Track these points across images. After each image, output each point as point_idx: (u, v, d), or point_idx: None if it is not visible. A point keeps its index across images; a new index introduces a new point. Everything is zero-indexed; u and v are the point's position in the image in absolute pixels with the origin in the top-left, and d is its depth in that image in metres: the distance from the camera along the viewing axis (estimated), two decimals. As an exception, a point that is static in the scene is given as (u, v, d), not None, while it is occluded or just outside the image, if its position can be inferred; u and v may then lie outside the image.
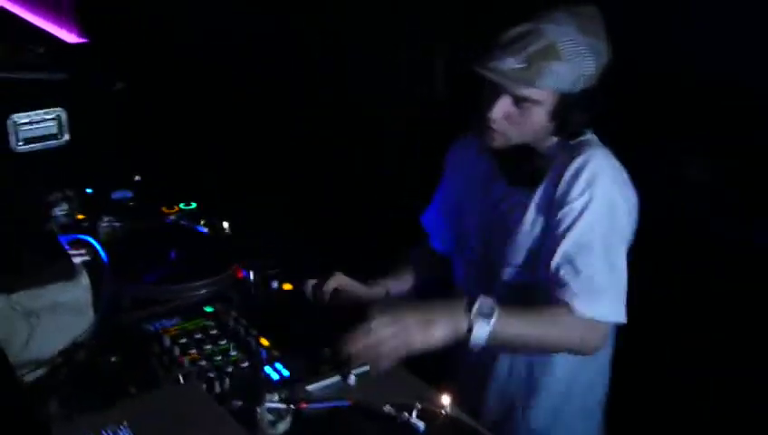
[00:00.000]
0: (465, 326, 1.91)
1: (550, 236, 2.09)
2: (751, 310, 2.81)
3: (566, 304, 2.00)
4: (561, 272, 2.04)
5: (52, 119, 2.98)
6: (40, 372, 2.02)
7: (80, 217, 2.78)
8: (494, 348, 2.02)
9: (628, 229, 2.13)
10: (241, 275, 2.45)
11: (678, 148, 3.11)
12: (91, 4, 5.85)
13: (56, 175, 2.85)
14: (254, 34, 4.56)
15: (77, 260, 2.24)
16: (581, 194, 2.04)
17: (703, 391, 2.90)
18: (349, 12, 4.01)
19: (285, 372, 2.00)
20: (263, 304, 2.32)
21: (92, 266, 2.25)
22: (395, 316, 1.91)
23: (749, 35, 2.79)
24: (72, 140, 3.00)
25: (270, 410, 1.79)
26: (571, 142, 2.14)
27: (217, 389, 1.93)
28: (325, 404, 1.87)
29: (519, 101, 2.07)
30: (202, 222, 2.74)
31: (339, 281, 2.30)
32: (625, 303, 2.06)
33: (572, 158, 2.09)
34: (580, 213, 2.04)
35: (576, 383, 2.26)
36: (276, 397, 1.82)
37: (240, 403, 1.84)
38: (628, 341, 2.26)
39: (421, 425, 1.79)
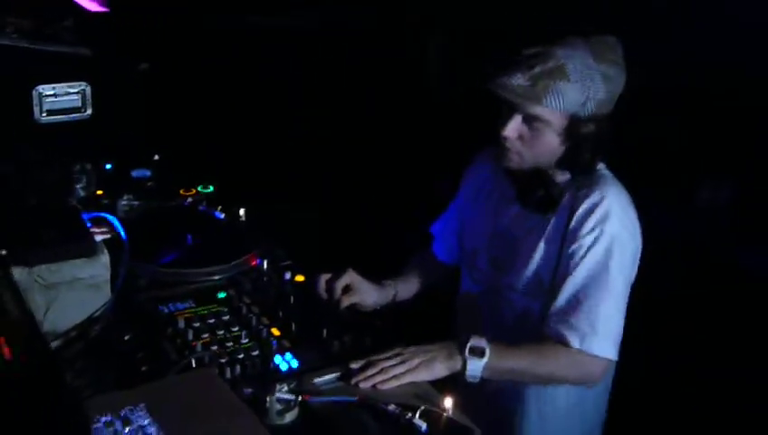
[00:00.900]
0: (459, 365, 2.04)
1: (558, 269, 2.16)
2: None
3: (565, 339, 2.09)
4: (565, 306, 2.12)
5: (77, 92, 3.02)
6: (56, 343, 2.07)
7: (99, 192, 2.82)
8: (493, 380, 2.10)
9: (632, 270, 2.19)
10: (255, 263, 2.50)
11: (695, 173, 3.17)
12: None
13: (77, 149, 2.89)
14: (279, 24, 4.60)
15: (98, 238, 2.28)
16: (592, 231, 2.11)
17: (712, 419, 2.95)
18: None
19: (294, 363, 2.06)
20: (275, 294, 2.37)
21: (112, 245, 2.30)
22: (403, 351, 2.06)
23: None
24: (94, 114, 3.04)
25: (279, 400, 1.84)
26: (587, 176, 2.19)
27: (228, 375, 1.98)
28: (333, 398, 1.92)
29: (530, 120, 2.12)
30: (219, 208, 2.78)
31: (350, 278, 2.36)
32: (619, 339, 2.14)
33: (587, 192, 2.15)
34: (589, 250, 2.11)
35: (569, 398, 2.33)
36: (285, 387, 1.87)
37: (250, 391, 1.89)
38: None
39: (423, 426, 1.84)
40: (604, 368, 2.14)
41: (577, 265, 2.12)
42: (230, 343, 2.12)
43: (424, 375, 2.03)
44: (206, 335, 2.14)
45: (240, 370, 2.01)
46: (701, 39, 3.08)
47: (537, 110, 2.09)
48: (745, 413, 2.94)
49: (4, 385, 1.47)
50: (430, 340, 2.11)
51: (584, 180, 2.18)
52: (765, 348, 3.00)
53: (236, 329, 2.18)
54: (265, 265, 2.49)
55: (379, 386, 1.98)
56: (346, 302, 2.32)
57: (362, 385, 1.98)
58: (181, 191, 2.89)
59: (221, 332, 2.16)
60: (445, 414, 1.91)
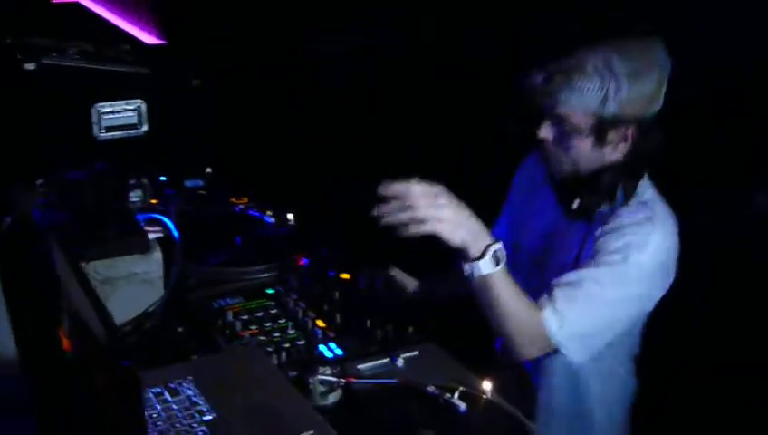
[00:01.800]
0: (477, 251, 1.96)
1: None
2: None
3: (541, 301, 2.07)
4: (560, 285, 2.10)
5: (133, 109, 3.14)
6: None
7: (153, 201, 2.94)
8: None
9: (645, 298, 2.15)
10: (302, 262, 2.59)
11: (748, 178, 3.16)
12: (169, 9, 6.06)
13: (134, 163, 3.00)
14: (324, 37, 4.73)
15: (152, 236, 2.40)
16: (621, 249, 2.08)
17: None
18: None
19: (338, 351, 2.14)
20: (320, 290, 2.45)
21: (165, 244, 2.41)
22: (440, 194, 1.95)
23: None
24: (150, 130, 3.16)
25: (322, 382, 1.91)
26: (632, 189, 2.16)
27: (275, 361, 2.06)
28: (374, 380, 1.99)
29: (557, 123, 2.12)
30: (269, 212, 2.88)
31: (393, 274, 2.43)
32: (589, 346, 2.10)
33: (633, 210, 2.13)
34: (604, 257, 2.09)
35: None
36: (329, 370, 1.94)
37: (295, 373, 1.97)
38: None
39: (462, 405, 1.90)
40: (544, 349, 2.09)
41: (589, 265, 2.10)
42: (277, 334, 2.20)
43: (442, 232, 1.92)
44: (254, 327, 2.23)
45: (286, 356, 2.08)
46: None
47: (558, 109, 2.09)
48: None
49: (61, 375, 1.57)
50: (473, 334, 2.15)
51: (630, 193, 2.16)
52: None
53: (283, 321, 2.26)
54: (312, 265, 2.57)
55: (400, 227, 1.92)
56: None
57: (384, 218, 1.93)
58: (232, 199, 3.00)
59: (268, 323, 2.25)
60: (484, 397, 1.96)
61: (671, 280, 2.17)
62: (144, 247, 2.31)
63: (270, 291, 2.43)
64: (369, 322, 2.24)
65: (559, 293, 2.07)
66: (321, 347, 2.15)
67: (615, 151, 2.14)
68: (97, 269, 2.22)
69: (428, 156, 4.02)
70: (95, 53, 3.32)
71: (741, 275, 3.20)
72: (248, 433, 1.67)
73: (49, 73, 3.05)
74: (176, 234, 2.45)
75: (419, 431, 1.85)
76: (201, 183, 3.13)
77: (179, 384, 1.74)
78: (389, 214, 1.92)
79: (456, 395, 1.92)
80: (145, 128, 3.15)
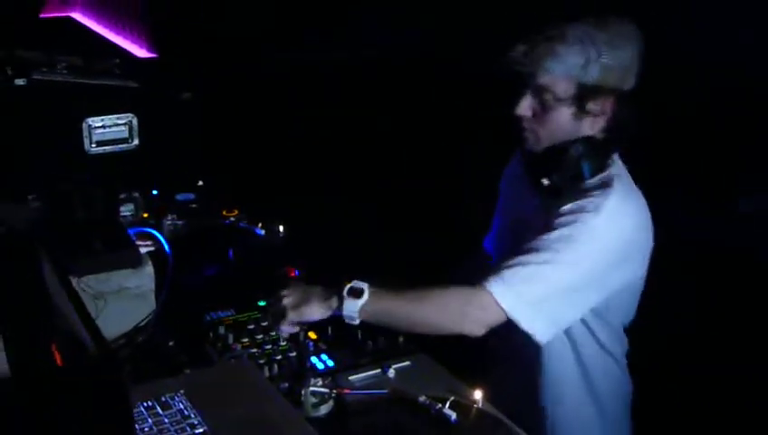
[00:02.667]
0: (335, 304, 2.06)
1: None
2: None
3: (484, 280, 2.03)
4: (507, 261, 2.07)
5: (124, 124, 3.14)
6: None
7: (145, 215, 2.95)
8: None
9: (604, 271, 2.09)
10: (293, 274, 2.60)
11: (731, 180, 3.18)
12: (160, 22, 6.08)
13: (125, 177, 3.01)
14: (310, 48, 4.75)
15: (143, 250, 2.41)
16: (573, 213, 2.08)
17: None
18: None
19: (330, 363, 2.15)
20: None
21: (156, 257, 2.42)
22: (287, 291, 2.13)
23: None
24: (141, 144, 3.16)
25: (314, 393, 1.93)
26: (600, 167, 2.16)
27: (266, 373, 2.07)
28: (365, 392, 2.00)
29: (538, 94, 2.13)
30: (259, 224, 2.89)
31: None
32: (547, 319, 2.05)
33: (593, 186, 2.13)
34: (560, 227, 2.07)
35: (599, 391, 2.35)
36: (320, 382, 1.96)
37: (287, 385, 1.98)
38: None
39: (453, 415, 1.91)
40: (491, 319, 2.03)
41: (543, 236, 2.07)
42: (268, 346, 2.21)
43: (305, 313, 2.08)
44: (245, 339, 2.24)
45: (278, 369, 2.10)
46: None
47: (541, 79, 2.10)
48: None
49: (55, 390, 1.58)
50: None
51: (597, 168, 2.15)
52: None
53: (274, 333, 2.27)
54: (303, 277, 2.57)
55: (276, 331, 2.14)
56: None
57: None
58: (223, 212, 3.00)
59: (260, 336, 2.26)
60: (474, 406, 1.98)
61: (642, 259, 2.18)
62: (135, 261, 2.32)
63: (262, 303, 2.44)
64: (360, 333, 2.25)
65: (503, 265, 2.05)
66: (313, 359, 2.16)
67: (593, 127, 2.16)
68: (88, 283, 2.23)
69: (418, 166, 4.05)
70: (85, 67, 3.34)
71: (739, 275, 3.21)
72: (240, 446, 1.68)
73: (39, 88, 3.06)
74: (167, 247, 2.46)
75: (411, 441, 1.86)
76: (192, 196, 3.13)
77: (171, 398, 1.75)
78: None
79: (447, 405, 1.93)
80: (136, 142, 3.16)
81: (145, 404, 1.72)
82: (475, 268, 2.46)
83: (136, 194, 2.98)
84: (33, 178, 2.83)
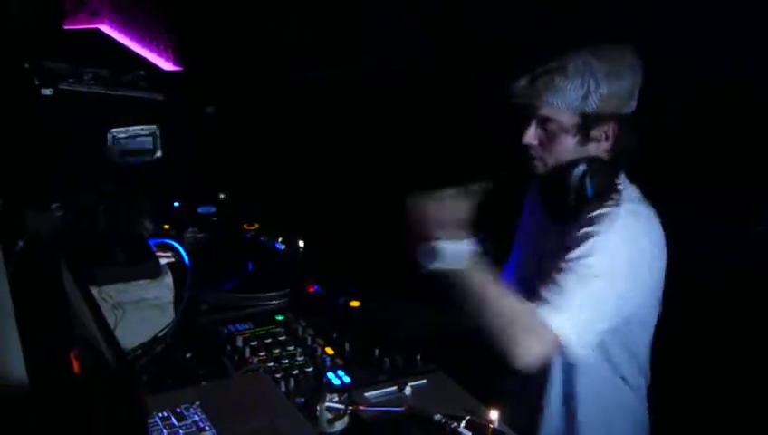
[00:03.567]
0: (463, 235, 2.08)
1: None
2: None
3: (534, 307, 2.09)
4: (544, 287, 2.12)
5: (148, 135, 3.17)
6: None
7: (166, 226, 2.96)
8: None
9: (625, 282, 2.14)
10: (312, 289, 2.60)
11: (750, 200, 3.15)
12: (186, 36, 6.13)
13: (148, 187, 3.03)
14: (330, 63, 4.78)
15: (163, 261, 2.42)
16: (588, 230, 2.14)
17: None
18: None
19: (347, 379, 2.14)
20: (330, 317, 2.46)
21: (176, 269, 2.43)
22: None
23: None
24: (164, 156, 3.19)
25: (329, 409, 1.92)
26: (608, 185, 2.21)
27: (283, 388, 2.07)
28: (381, 409, 2.00)
29: (543, 124, 2.20)
30: (279, 239, 2.90)
31: None
32: (589, 338, 2.11)
33: (601, 202, 2.18)
34: (579, 245, 2.12)
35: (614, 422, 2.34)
36: (336, 398, 1.95)
37: (302, 400, 1.98)
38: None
39: (469, 434, 1.90)
40: (552, 345, 2.08)
41: (566, 257, 2.13)
42: (285, 360, 2.21)
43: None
44: (262, 353, 2.24)
45: (294, 383, 2.09)
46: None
47: (544, 110, 2.18)
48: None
49: (72, 398, 1.59)
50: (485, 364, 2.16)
51: (607, 189, 2.20)
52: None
53: (292, 348, 2.27)
54: (322, 292, 2.58)
55: None
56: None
57: None
58: (244, 225, 3.02)
59: (277, 350, 2.26)
60: (490, 426, 1.96)
61: (658, 271, 2.22)
62: (155, 273, 2.33)
63: (279, 317, 2.45)
64: (377, 350, 2.25)
65: (543, 287, 2.12)
66: (330, 374, 2.16)
67: (598, 149, 2.23)
68: (108, 293, 2.24)
69: (438, 182, 4.04)
70: (111, 78, 3.36)
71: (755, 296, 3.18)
72: (254, 459, 1.68)
73: (65, 99, 3.08)
74: (187, 259, 2.47)
75: (425, 460, 1.85)
76: (213, 209, 3.15)
77: (186, 409, 1.75)
78: None
79: (463, 424, 1.92)
80: (159, 153, 3.18)
81: (160, 415, 1.73)
82: None
83: (158, 205, 3.00)
84: (57, 187, 2.86)
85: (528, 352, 2.07)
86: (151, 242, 2.52)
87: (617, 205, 2.16)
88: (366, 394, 2.07)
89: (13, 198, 2.56)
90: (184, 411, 1.75)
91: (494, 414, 1.99)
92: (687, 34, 2.93)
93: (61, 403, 1.63)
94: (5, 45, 4.51)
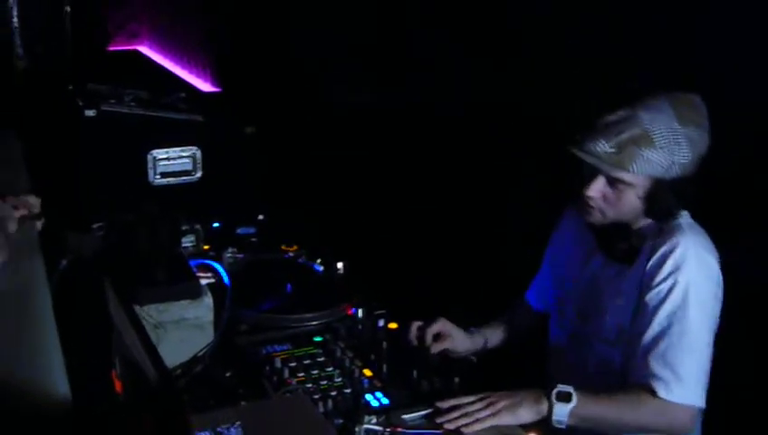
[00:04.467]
0: (545, 409, 2.08)
1: (636, 318, 2.20)
2: None
3: (650, 388, 2.11)
4: (646, 356, 2.14)
5: (188, 156, 3.20)
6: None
7: (205, 247, 2.99)
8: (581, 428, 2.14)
9: (713, 314, 2.18)
10: (350, 312, 2.61)
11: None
12: (225, 57, 6.19)
13: (187, 208, 3.06)
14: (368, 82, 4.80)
15: (203, 282, 2.44)
16: (666, 279, 2.14)
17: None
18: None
19: (385, 401, 2.15)
20: (368, 339, 2.47)
21: (216, 289, 2.46)
22: (491, 395, 2.13)
23: None
24: (204, 176, 3.22)
25: (367, 431, 1.93)
26: (666, 224, 2.21)
27: (321, 409, 2.08)
28: (419, 432, 2.00)
29: (613, 182, 2.17)
30: (318, 261, 2.92)
31: (441, 326, 2.45)
32: (705, 386, 2.14)
33: (663, 240, 2.18)
34: (665, 298, 2.14)
35: None
36: (374, 419, 1.96)
37: (341, 421, 1.99)
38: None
39: (507, 459, 1.91)
40: (692, 416, 2.14)
41: (655, 313, 2.14)
42: (324, 381, 2.22)
43: (507, 419, 2.08)
44: (301, 374, 2.25)
45: (332, 404, 2.10)
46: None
47: (622, 174, 2.13)
48: None
49: (114, 418, 1.60)
50: (519, 386, 2.17)
51: (664, 229, 2.20)
52: None
53: (330, 369, 2.28)
54: (360, 314, 2.59)
55: (462, 429, 2.04)
56: (437, 348, 2.40)
57: (447, 426, 2.05)
58: (282, 247, 3.04)
59: (315, 371, 2.27)
60: (528, 451, 1.97)
61: (721, 296, 2.21)
62: (195, 293, 2.36)
63: (318, 339, 2.46)
64: (415, 372, 2.25)
65: (645, 363, 2.14)
66: (368, 396, 2.16)
67: (657, 201, 2.21)
68: (149, 313, 2.26)
69: (475, 208, 4.05)
70: (151, 100, 3.40)
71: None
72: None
73: (107, 120, 3.12)
74: (227, 280, 2.49)
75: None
76: (253, 230, 3.18)
77: (227, 429, 1.77)
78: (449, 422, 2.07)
79: (501, 447, 1.92)
80: (199, 174, 3.21)
81: (202, 434, 1.74)
82: (518, 320, 2.64)
83: (197, 226, 3.03)
84: (98, 207, 2.89)
85: (677, 428, 2.15)
86: (192, 263, 2.54)
87: (685, 243, 2.16)
88: (403, 416, 2.07)
89: (55, 218, 2.60)
90: (225, 431, 1.76)
91: (532, 437, 1.99)
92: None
93: (104, 422, 1.64)
94: (56, 69, 4.59)
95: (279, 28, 5.52)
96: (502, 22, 3.97)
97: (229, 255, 2.88)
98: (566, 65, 3.49)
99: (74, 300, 2.02)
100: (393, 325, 2.54)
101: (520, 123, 3.77)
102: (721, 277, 2.20)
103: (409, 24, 4.67)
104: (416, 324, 2.46)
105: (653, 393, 2.11)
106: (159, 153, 3.16)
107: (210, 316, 2.37)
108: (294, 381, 2.21)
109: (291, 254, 3.01)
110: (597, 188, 2.19)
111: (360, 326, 2.55)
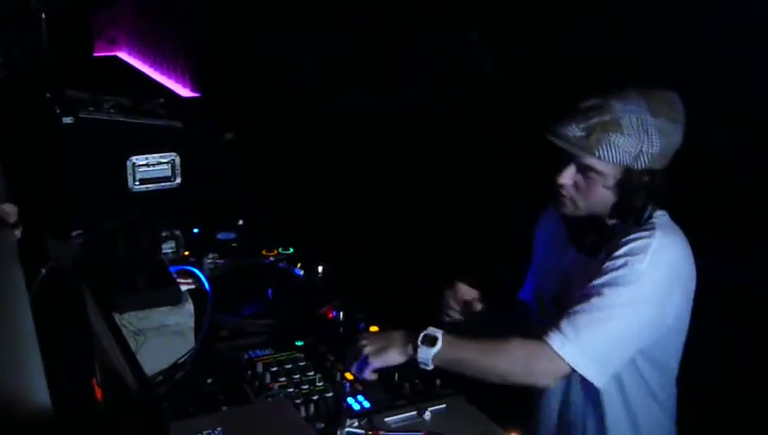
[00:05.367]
0: (411, 351, 2.09)
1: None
2: None
3: (546, 336, 2.07)
4: (564, 313, 2.11)
5: (167, 162, 3.20)
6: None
7: (186, 253, 2.99)
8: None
9: (653, 312, 2.14)
10: (331, 315, 2.61)
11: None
12: (204, 62, 6.18)
13: (167, 214, 3.06)
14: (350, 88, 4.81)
15: (183, 288, 2.44)
16: (618, 258, 2.12)
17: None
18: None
19: (366, 404, 2.15)
20: (350, 342, 2.47)
21: (197, 295, 2.45)
22: (366, 338, 2.17)
23: None
24: (183, 183, 3.22)
25: (349, 434, 1.94)
26: (638, 222, 2.20)
27: (303, 413, 2.08)
28: (401, 433, 2.01)
29: (584, 170, 2.17)
30: (299, 265, 2.92)
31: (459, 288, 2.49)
32: (605, 367, 2.09)
33: (635, 236, 2.16)
34: (606, 273, 2.11)
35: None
36: (356, 423, 1.97)
37: (322, 425, 1.99)
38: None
39: (488, 459, 1.91)
40: (558, 372, 2.09)
41: (592, 284, 2.12)
42: (305, 386, 2.23)
43: (380, 361, 2.11)
44: (282, 379, 2.25)
45: (314, 409, 2.10)
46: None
47: (590, 160, 2.14)
48: None
49: (95, 425, 1.60)
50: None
51: (633, 227, 2.19)
52: None
53: (312, 373, 2.28)
54: (341, 317, 2.59)
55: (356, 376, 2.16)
56: (476, 306, 2.45)
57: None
58: (263, 251, 3.04)
59: (297, 375, 2.27)
60: (508, 450, 1.97)
61: (687, 293, 2.20)
62: (176, 299, 2.36)
63: (299, 343, 2.46)
64: (397, 375, 2.26)
65: (564, 318, 2.09)
66: (350, 400, 2.17)
67: (629, 195, 2.20)
68: (129, 320, 2.26)
69: (457, 206, 4.06)
70: (130, 107, 3.39)
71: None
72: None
73: (85, 127, 3.12)
74: (207, 286, 2.49)
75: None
76: (233, 235, 3.18)
77: (209, 435, 1.77)
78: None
79: (483, 449, 1.93)
80: (178, 180, 3.21)
81: (183, 441, 1.74)
82: (515, 318, 2.58)
83: (177, 232, 3.03)
84: (78, 215, 2.89)
85: (535, 374, 2.10)
86: (172, 269, 2.54)
87: (650, 236, 2.14)
88: (386, 419, 2.08)
89: (34, 226, 2.59)
90: (206, 437, 1.76)
91: (513, 438, 2.00)
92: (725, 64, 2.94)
93: (84, 430, 1.64)
94: (34, 76, 4.56)
95: (256, 32, 5.53)
96: (502, 21, 3.98)
97: (210, 260, 2.88)
98: (566, 65, 3.51)
99: (54, 308, 2.02)
100: (374, 328, 2.54)
101: (520, 123, 3.78)
102: (691, 277, 2.20)
103: (409, 23, 4.68)
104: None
105: (545, 342, 2.06)
106: (139, 159, 3.16)
107: (191, 323, 2.37)
108: (276, 385, 2.21)
109: (271, 258, 3.01)
110: (568, 176, 2.19)
111: (341, 329, 2.55)
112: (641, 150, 2.11)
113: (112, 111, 3.30)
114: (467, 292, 2.47)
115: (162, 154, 3.20)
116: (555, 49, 3.60)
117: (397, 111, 4.51)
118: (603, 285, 2.10)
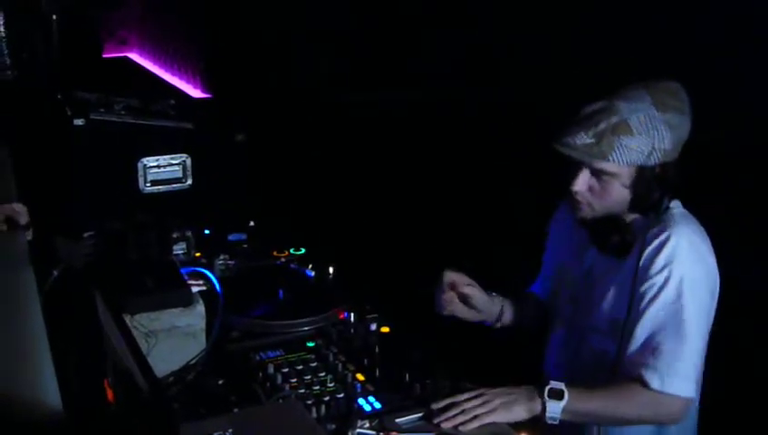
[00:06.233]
0: (539, 407, 2.09)
1: (631, 310, 2.19)
2: None
3: (643, 380, 2.12)
4: (641, 348, 2.15)
5: (178, 164, 3.20)
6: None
7: (197, 254, 2.99)
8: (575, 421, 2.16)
9: (709, 306, 2.20)
10: (343, 316, 2.61)
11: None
12: (215, 63, 6.19)
13: (178, 216, 3.06)
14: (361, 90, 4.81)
15: (194, 290, 2.44)
16: (660, 271, 2.15)
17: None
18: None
19: (377, 405, 2.14)
20: (361, 343, 2.47)
21: (208, 297, 2.45)
22: (485, 392, 2.12)
23: None
24: (194, 184, 3.22)
25: (360, 435, 1.93)
26: (657, 215, 2.21)
27: (314, 414, 2.08)
28: (412, 434, 2.00)
29: (597, 174, 2.18)
30: (310, 266, 2.92)
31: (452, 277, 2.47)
32: (699, 378, 2.16)
33: (656, 231, 2.18)
34: (660, 290, 2.15)
35: None
36: (367, 424, 1.96)
37: (333, 427, 1.99)
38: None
39: (500, 461, 1.91)
40: (684, 407, 2.15)
41: (649, 305, 2.15)
42: (317, 387, 2.22)
43: (503, 416, 2.08)
44: (294, 380, 2.25)
45: (325, 410, 2.10)
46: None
47: (604, 165, 2.15)
48: None
49: (106, 426, 1.61)
50: (514, 383, 2.17)
51: (655, 220, 2.20)
52: None
53: (323, 374, 2.28)
54: (352, 318, 2.59)
55: (460, 427, 2.05)
56: (467, 291, 2.44)
57: (444, 425, 2.05)
58: (274, 253, 3.04)
59: (308, 376, 2.27)
60: (523, 453, 1.97)
61: (715, 288, 2.23)
62: (187, 301, 2.36)
63: (310, 344, 2.45)
64: (407, 375, 2.25)
65: (639, 355, 2.15)
66: (361, 401, 2.16)
67: (644, 190, 2.22)
68: (141, 321, 2.26)
69: (469, 206, 4.05)
70: (141, 108, 3.39)
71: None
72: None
73: (96, 128, 3.12)
74: (218, 287, 2.49)
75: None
76: (244, 237, 3.18)
77: (220, 436, 1.77)
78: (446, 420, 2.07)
79: (494, 450, 1.93)
80: (189, 182, 3.21)
81: (194, 442, 1.74)
82: (527, 310, 2.60)
83: (189, 233, 3.03)
84: (88, 216, 2.89)
85: (666, 419, 2.19)
86: (183, 270, 2.54)
87: (677, 233, 2.16)
88: (397, 420, 2.07)
89: (45, 228, 2.59)
90: (217, 438, 1.76)
91: (526, 441, 1.99)
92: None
93: (95, 431, 1.64)
94: (43, 77, 4.58)
95: (270, 35, 5.53)
96: (502, 22, 3.98)
97: (221, 261, 2.87)
98: (566, 65, 3.51)
99: (65, 310, 2.02)
100: (385, 329, 2.54)
101: (520, 123, 3.78)
102: (715, 268, 2.22)
103: (409, 23, 4.68)
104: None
105: (645, 385, 2.11)
106: (150, 161, 3.16)
107: (202, 324, 2.37)
108: (287, 386, 2.21)
109: (282, 260, 3.01)
110: (582, 182, 2.21)
111: (352, 330, 2.55)
112: (653, 147, 2.13)
113: (123, 112, 3.30)
114: (459, 278, 2.46)
115: (173, 155, 3.20)
116: (555, 49, 3.59)
117: (404, 112, 4.51)
118: (662, 305, 2.14)
